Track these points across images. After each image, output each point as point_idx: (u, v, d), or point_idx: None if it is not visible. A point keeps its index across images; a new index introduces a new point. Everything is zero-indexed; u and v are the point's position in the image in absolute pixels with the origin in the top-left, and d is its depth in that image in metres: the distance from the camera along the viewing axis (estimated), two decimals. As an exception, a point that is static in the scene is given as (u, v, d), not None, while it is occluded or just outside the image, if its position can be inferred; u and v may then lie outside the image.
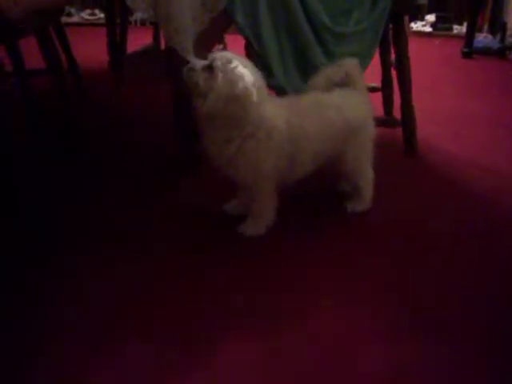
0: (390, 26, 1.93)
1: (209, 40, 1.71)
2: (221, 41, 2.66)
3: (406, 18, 2.11)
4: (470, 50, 3.75)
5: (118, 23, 2.95)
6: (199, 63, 1.34)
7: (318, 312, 1.23)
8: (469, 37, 3.77)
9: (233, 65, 1.30)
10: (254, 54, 1.67)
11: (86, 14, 4.65)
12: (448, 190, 1.80)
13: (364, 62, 1.70)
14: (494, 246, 1.50)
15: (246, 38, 1.65)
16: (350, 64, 1.53)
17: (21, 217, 1.58)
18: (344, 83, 1.53)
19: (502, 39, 3.93)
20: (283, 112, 1.41)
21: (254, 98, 1.30)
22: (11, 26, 1.34)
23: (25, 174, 1.81)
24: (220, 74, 1.30)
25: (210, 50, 1.84)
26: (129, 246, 1.48)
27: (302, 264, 1.41)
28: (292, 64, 1.62)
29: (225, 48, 2.87)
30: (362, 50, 1.70)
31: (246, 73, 1.30)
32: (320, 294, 1.28)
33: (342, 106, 1.49)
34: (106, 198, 1.73)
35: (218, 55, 1.33)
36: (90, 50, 3.44)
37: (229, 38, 2.65)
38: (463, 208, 1.69)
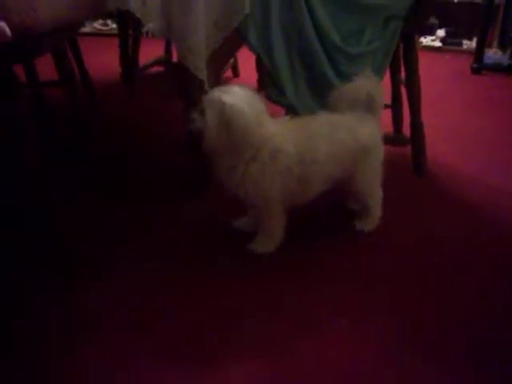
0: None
1: (221, 58, 1.73)
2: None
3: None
4: (479, 66, 3.76)
5: (130, 34, 2.97)
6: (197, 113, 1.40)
7: (318, 327, 1.25)
8: (478, 52, 3.77)
9: (216, 96, 1.35)
10: (266, 72, 1.69)
11: (98, 24, 4.69)
12: (456, 209, 1.81)
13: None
14: (501, 266, 1.51)
15: (258, 56, 1.67)
16: (372, 84, 1.54)
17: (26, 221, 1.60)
18: (363, 103, 1.54)
19: (512, 55, 3.94)
20: (292, 134, 1.42)
21: (247, 119, 1.33)
22: (30, 45, 1.36)
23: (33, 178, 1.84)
24: (208, 110, 1.35)
25: (222, 67, 1.86)
26: (129, 249, 1.52)
27: (308, 280, 1.43)
28: (303, 84, 1.64)
29: (235, 63, 2.89)
30: (373, 69, 1.71)
31: (229, 98, 1.34)
32: (324, 311, 1.31)
33: (353, 127, 1.50)
34: (111, 206, 1.77)
35: (207, 96, 1.39)
36: (102, 61, 3.48)
37: (240, 52, 2.68)
38: (471, 227, 1.70)
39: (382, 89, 1.61)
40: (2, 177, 1.60)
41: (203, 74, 1.55)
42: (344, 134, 1.48)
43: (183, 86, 1.67)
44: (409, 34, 1.83)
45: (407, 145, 2.05)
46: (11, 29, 1.22)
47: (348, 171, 1.53)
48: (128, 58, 2.95)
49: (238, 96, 1.35)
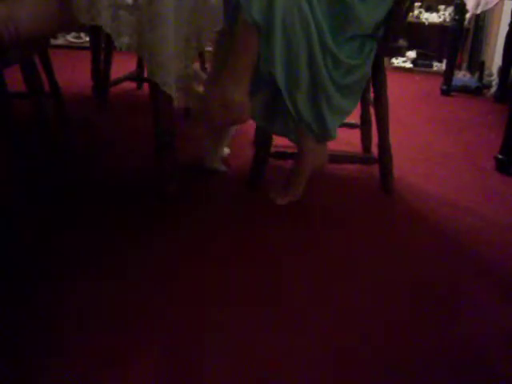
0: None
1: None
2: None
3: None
4: (448, 88, 3.84)
5: (102, 48, 2.96)
6: None
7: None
8: (447, 75, 3.86)
9: None
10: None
11: (71, 37, 4.67)
12: (422, 230, 1.83)
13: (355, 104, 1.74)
14: (467, 291, 1.53)
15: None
16: None
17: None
18: None
19: (480, 78, 4.04)
20: None
21: None
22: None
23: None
24: None
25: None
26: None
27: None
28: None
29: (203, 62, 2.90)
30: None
31: None
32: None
33: None
34: (81, 222, 1.73)
35: None
36: (75, 74, 3.46)
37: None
38: (435, 247, 1.73)
39: None
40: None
41: (171, 90, 1.55)
42: None
43: (153, 102, 1.67)
44: (377, 55, 1.86)
45: (375, 164, 2.07)
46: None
47: None
48: (100, 71, 2.94)
49: None
